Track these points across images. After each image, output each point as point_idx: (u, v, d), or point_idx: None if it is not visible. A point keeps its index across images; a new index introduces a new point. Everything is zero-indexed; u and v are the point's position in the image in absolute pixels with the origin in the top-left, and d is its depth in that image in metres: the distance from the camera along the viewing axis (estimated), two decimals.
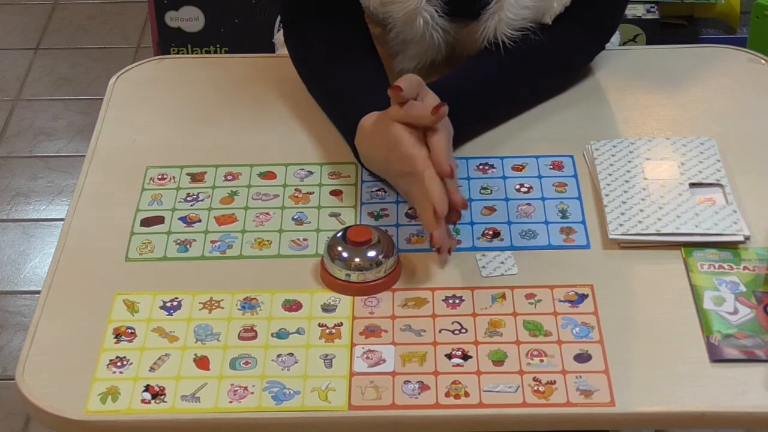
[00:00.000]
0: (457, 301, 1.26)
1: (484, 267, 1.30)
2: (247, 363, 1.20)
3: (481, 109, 1.40)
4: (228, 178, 1.43)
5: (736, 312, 1.23)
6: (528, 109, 1.52)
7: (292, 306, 1.26)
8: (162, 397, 1.17)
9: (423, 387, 1.17)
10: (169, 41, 2.74)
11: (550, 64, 1.52)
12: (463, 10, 1.48)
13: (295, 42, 1.55)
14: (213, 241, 1.35)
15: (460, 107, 1.35)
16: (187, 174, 1.44)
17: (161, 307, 1.27)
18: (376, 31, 1.57)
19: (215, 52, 2.74)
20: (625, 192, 1.37)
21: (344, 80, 1.47)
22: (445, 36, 1.50)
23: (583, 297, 1.26)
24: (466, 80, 1.47)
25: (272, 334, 1.23)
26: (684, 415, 1.15)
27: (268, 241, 1.35)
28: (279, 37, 1.86)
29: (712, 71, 1.59)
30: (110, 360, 1.21)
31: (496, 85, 1.48)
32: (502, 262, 1.30)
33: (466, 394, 1.16)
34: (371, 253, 1.27)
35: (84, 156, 1.48)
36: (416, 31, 1.48)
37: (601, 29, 1.56)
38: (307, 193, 1.41)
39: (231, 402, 1.16)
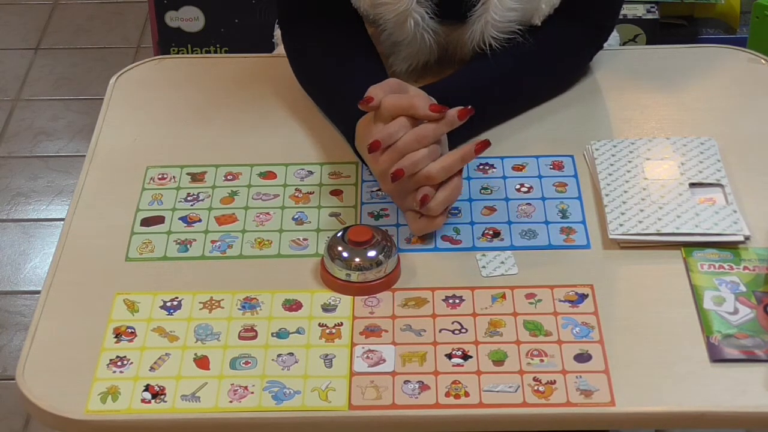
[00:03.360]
0: (457, 300, 1.26)
1: (484, 267, 1.30)
2: (247, 363, 1.20)
3: (478, 110, 1.40)
4: (228, 177, 1.43)
5: (736, 312, 1.23)
6: (527, 110, 1.51)
7: (292, 306, 1.26)
8: (162, 396, 1.17)
9: (423, 387, 1.17)
10: (169, 41, 2.74)
11: (548, 65, 1.52)
12: (451, 12, 1.48)
13: (291, 40, 1.55)
14: (213, 241, 1.35)
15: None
16: (188, 174, 1.44)
17: (161, 307, 1.27)
18: (370, 30, 1.57)
19: (215, 52, 2.74)
20: (625, 192, 1.37)
21: (341, 78, 1.46)
22: (436, 38, 1.50)
23: (583, 297, 1.26)
24: (464, 81, 1.47)
25: (272, 334, 1.23)
26: (684, 415, 1.15)
27: (268, 240, 1.35)
28: (279, 34, 1.85)
29: (712, 71, 1.59)
30: (110, 360, 1.21)
31: (495, 85, 1.48)
32: (503, 262, 1.31)
33: (466, 394, 1.16)
34: (371, 253, 1.27)
35: (84, 156, 1.48)
36: (407, 33, 1.48)
37: (598, 29, 1.55)
38: (308, 192, 1.41)
39: (231, 402, 1.16)
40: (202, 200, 1.40)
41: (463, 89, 1.45)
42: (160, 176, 1.44)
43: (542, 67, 1.51)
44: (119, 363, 1.20)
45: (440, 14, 1.48)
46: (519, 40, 1.47)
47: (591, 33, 1.55)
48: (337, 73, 1.47)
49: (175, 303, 1.27)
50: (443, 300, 1.26)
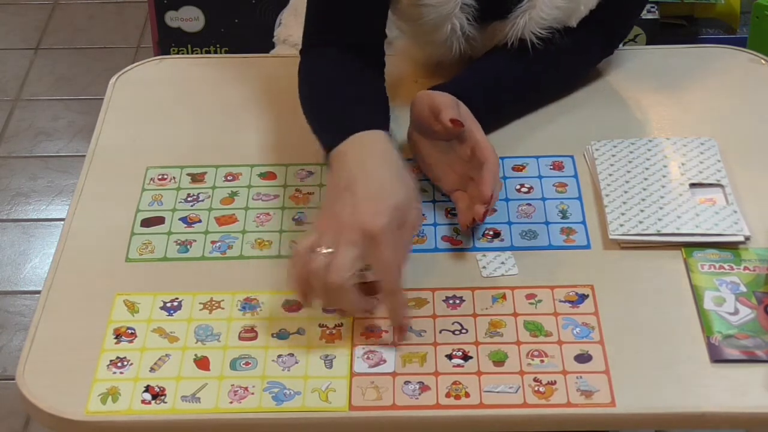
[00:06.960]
0: (457, 301, 1.26)
1: (484, 267, 1.30)
2: (247, 363, 1.20)
3: (487, 107, 1.40)
4: (228, 178, 1.43)
5: (736, 312, 1.23)
6: (533, 110, 1.51)
7: (293, 306, 1.26)
8: (162, 397, 1.17)
9: (423, 387, 1.17)
10: (169, 41, 2.74)
11: (561, 66, 1.51)
12: (494, 10, 1.47)
13: (307, 59, 1.49)
14: (213, 242, 1.35)
15: (467, 103, 1.35)
16: (188, 174, 1.44)
17: (161, 308, 1.27)
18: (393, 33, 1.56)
19: (215, 52, 2.74)
20: (626, 192, 1.37)
21: (339, 105, 1.41)
22: (465, 46, 1.49)
23: (583, 297, 1.26)
24: (477, 77, 1.47)
25: (272, 335, 1.23)
26: (684, 415, 1.15)
27: (268, 241, 1.35)
28: (279, 33, 1.85)
29: (712, 71, 1.59)
30: (110, 360, 1.21)
31: (505, 83, 1.48)
32: (503, 263, 1.30)
33: (467, 395, 1.16)
34: None
35: (84, 156, 1.48)
36: (441, 37, 1.47)
37: (613, 35, 1.56)
38: (308, 193, 1.41)
39: (231, 402, 1.16)
40: (202, 201, 1.40)
41: (478, 83, 1.45)
42: (160, 177, 1.44)
43: (555, 66, 1.51)
44: (119, 364, 1.20)
45: (481, 17, 1.47)
46: (555, 38, 1.47)
47: (607, 38, 1.55)
48: (336, 101, 1.41)
49: (175, 304, 1.27)
50: (443, 300, 1.26)
